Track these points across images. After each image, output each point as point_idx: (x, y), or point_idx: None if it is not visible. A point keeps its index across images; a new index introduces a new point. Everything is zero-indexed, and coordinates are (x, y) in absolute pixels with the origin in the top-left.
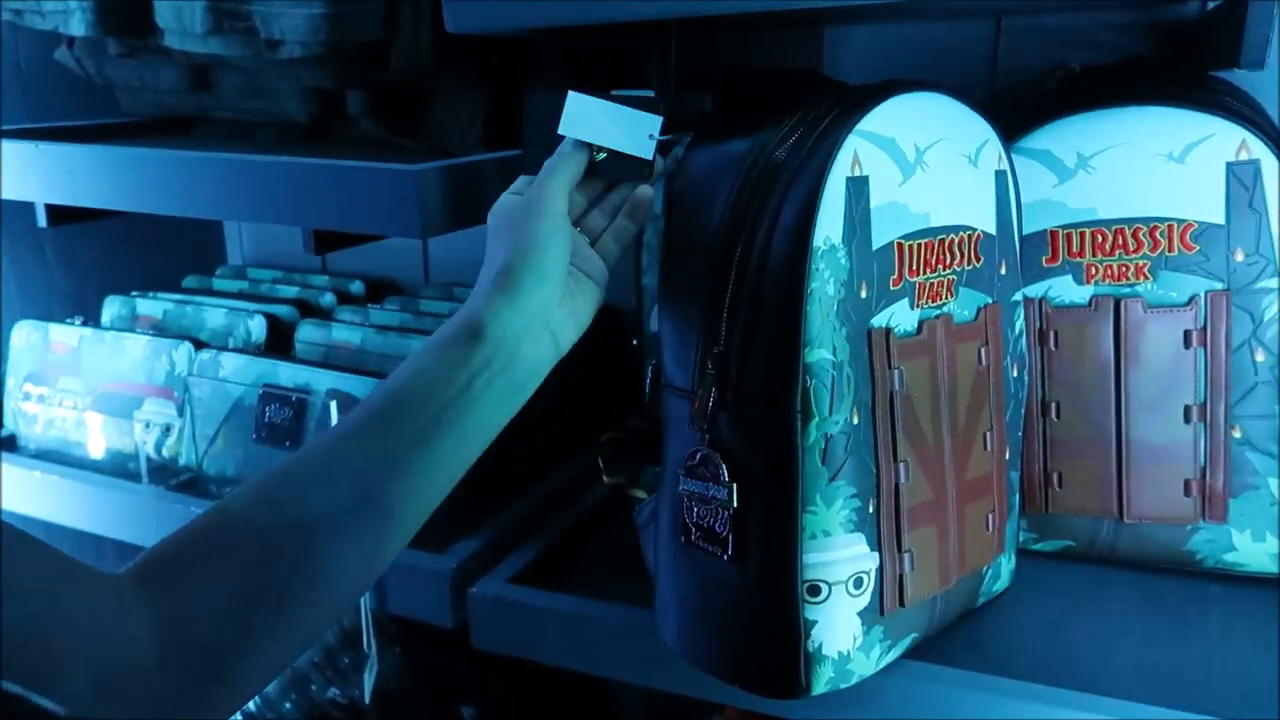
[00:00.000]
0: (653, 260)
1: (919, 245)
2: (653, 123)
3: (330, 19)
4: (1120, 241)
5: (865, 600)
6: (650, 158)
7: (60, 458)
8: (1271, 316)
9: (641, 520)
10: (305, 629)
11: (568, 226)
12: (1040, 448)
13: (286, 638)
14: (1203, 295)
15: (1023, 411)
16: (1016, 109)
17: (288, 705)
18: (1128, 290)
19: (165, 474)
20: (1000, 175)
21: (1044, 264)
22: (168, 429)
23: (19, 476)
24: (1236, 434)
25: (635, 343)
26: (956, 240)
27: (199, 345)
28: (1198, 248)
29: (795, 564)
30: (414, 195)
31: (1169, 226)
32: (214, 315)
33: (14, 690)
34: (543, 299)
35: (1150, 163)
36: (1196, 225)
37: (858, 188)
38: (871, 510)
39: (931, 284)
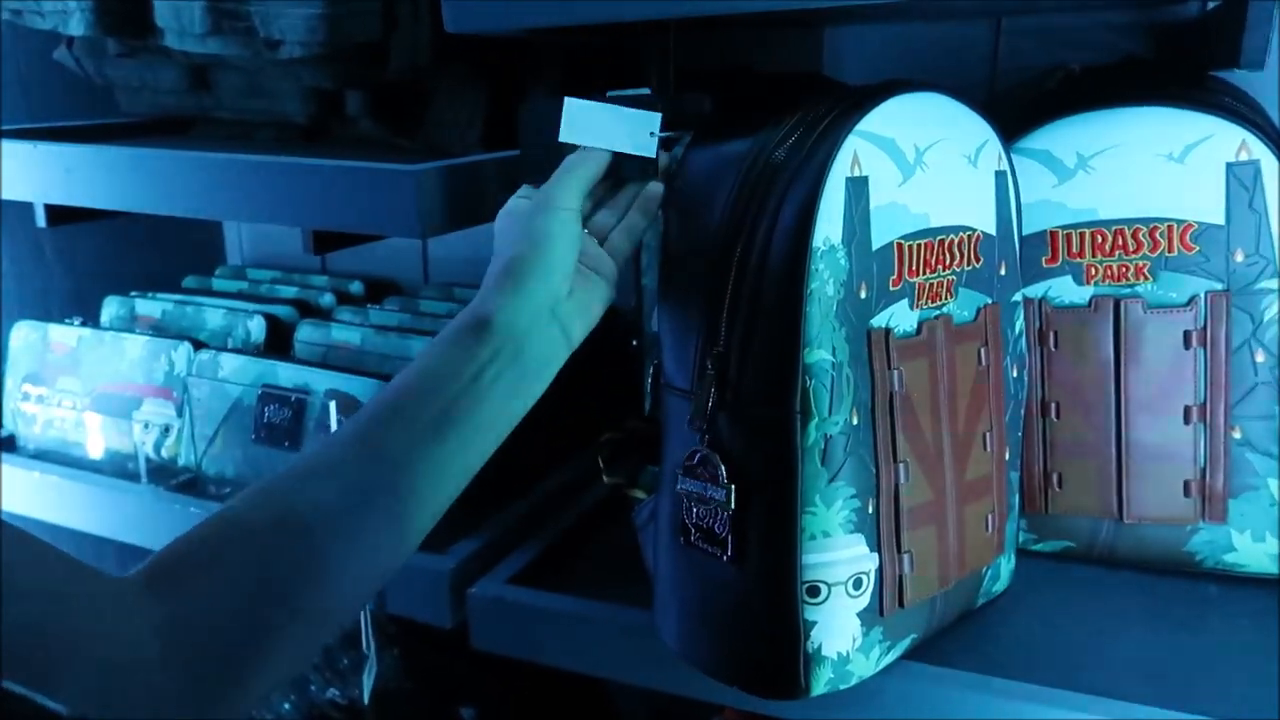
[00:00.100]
0: (652, 260)
1: (919, 246)
2: (652, 120)
3: (329, 19)
4: (1120, 242)
5: (865, 601)
6: (654, 155)
7: (59, 458)
8: (1271, 317)
9: (641, 521)
10: (313, 629)
11: (577, 223)
12: (1040, 448)
13: (295, 638)
14: (1203, 296)
15: (1022, 412)
16: (1016, 109)
17: (286, 706)
18: (1127, 291)
19: (164, 474)
20: (1000, 176)
21: (1044, 264)
22: (167, 429)
23: (18, 477)
24: (1236, 435)
25: (635, 343)
26: (956, 241)
27: (198, 345)
28: (1197, 248)
29: (795, 565)
30: (413, 195)
31: (1169, 227)
32: (213, 315)
33: (17, 691)
34: (550, 290)
35: (1150, 163)
36: (1196, 226)
37: (857, 188)
38: (871, 511)
39: (931, 284)
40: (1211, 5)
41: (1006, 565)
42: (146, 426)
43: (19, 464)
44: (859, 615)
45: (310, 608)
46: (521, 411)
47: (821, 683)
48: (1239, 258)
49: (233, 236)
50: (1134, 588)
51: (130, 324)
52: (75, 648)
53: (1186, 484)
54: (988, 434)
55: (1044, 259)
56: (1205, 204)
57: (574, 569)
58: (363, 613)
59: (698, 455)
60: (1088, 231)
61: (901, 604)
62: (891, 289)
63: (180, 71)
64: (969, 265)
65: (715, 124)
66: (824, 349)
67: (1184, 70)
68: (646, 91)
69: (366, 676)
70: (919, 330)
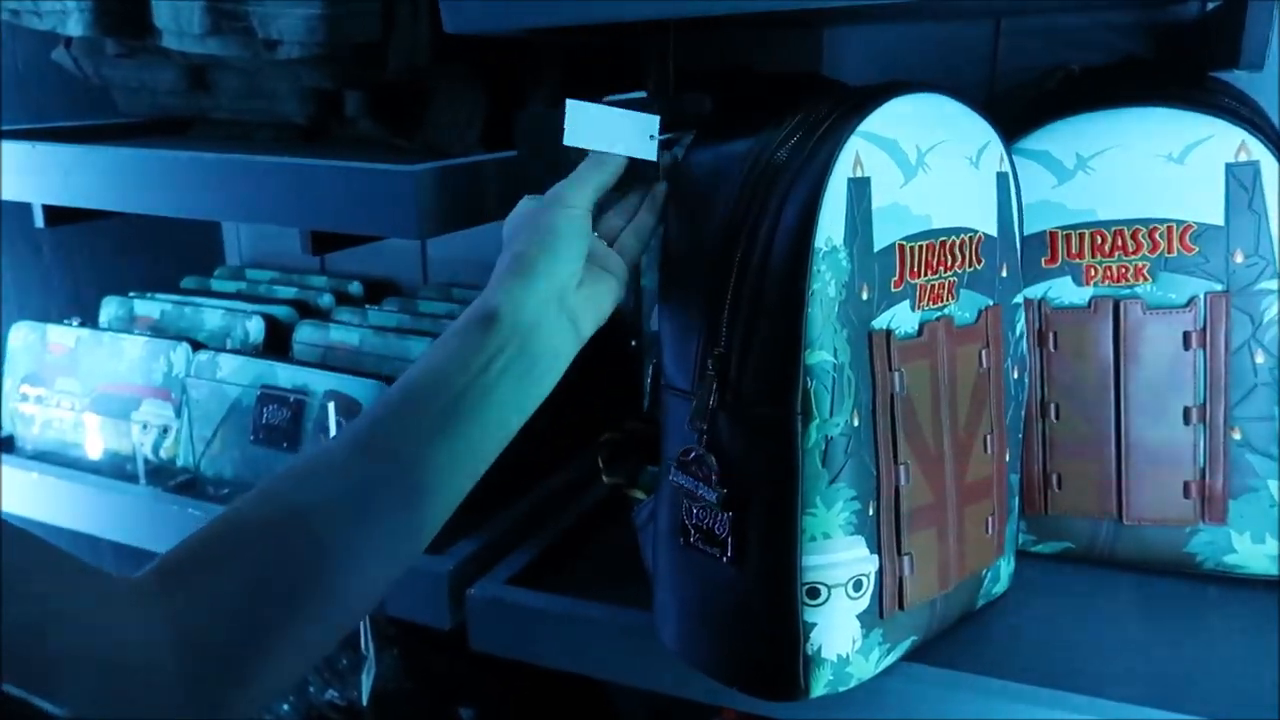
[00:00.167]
0: (652, 261)
1: (920, 247)
2: (651, 123)
3: (328, 19)
4: (1119, 243)
5: (865, 603)
6: (654, 158)
7: (58, 459)
8: (1271, 318)
9: (640, 521)
10: (322, 628)
11: (587, 221)
12: (1039, 449)
13: (303, 638)
14: (1202, 297)
15: (1023, 414)
16: (1016, 110)
17: (285, 707)
18: (1127, 291)
19: (163, 475)
20: (1002, 177)
21: (1043, 265)
22: (165, 430)
23: (16, 478)
24: (1236, 435)
25: (634, 343)
26: (958, 242)
27: (197, 346)
28: (1197, 249)
29: (795, 566)
30: (411, 196)
31: (1168, 228)
32: (212, 316)
33: (14, 694)
34: (558, 282)
35: (1149, 164)
36: (1196, 226)
37: (859, 189)
38: (871, 513)
39: (933, 286)
40: (1211, 6)
41: (1006, 567)
42: (145, 427)
43: (17, 465)
44: (859, 617)
45: (318, 607)
46: (532, 406)
47: (821, 684)
48: (1239, 258)
49: (231, 237)
50: (1133, 589)
51: (129, 324)
52: (81, 648)
53: (1186, 485)
54: (988, 436)
55: (1043, 260)
56: (1205, 205)
57: (573, 570)
58: None
59: (693, 453)
60: (1087, 232)
61: (901, 606)
62: (893, 290)
63: (179, 72)
64: (970, 267)
65: (716, 124)
66: (825, 350)
67: (1184, 71)
68: (643, 95)
69: (365, 677)
70: (920, 332)
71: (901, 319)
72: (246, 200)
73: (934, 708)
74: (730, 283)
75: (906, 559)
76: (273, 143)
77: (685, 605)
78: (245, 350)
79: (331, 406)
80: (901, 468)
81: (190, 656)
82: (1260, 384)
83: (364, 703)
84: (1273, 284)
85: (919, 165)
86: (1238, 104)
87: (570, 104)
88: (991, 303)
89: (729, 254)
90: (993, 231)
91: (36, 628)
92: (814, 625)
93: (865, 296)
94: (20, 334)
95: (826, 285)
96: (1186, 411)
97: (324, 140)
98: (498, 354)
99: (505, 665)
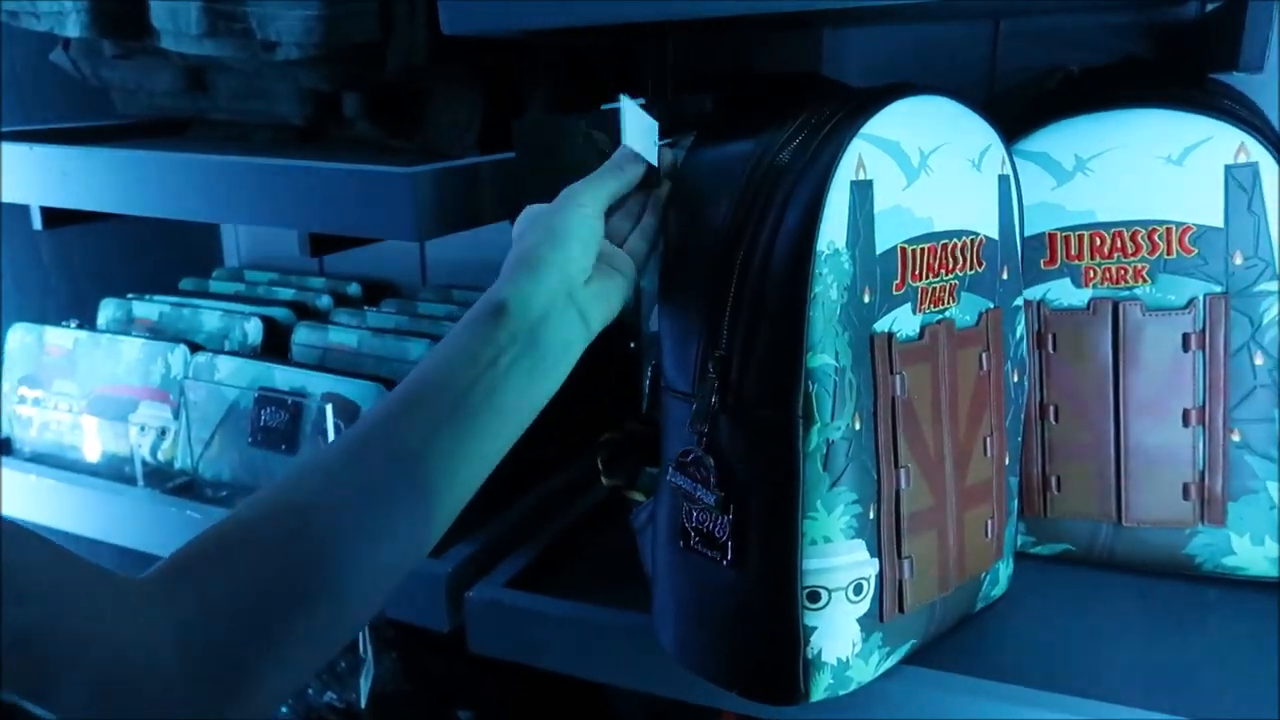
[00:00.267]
0: (651, 261)
1: (922, 250)
2: (652, 128)
3: (326, 20)
4: (1119, 244)
5: (865, 606)
6: (655, 163)
7: (55, 461)
8: (1270, 319)
9: (639, 523)
10: (330, 628)
11: (598, 220)
12: (1038, 451)
13: (306, 641)
14: (1201, 298)
15: (1023, 417)
16: (1015, 110)
17: (284, 709)
18: (1126, 293)
19: (160, 477)
20: (1003, 180)
21: (1042, 266)
22: (163, 432)
23: (14, 480)
24: (1235, 437)
25: (633, 345)
26: (959, 245)
27: (194, 348)
28: (1196, 251)
29: (795, 570)
30: (409, 198)
31: (1167, 229)
32: (210, 318)
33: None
34: (566, 276)
35: (1149, 165)
36: (1195, 228)
37: (862, 191)
38: (872, 516)
39: (934, 289)
40: (1211, 7)
41: (1005, 570)
42: (143, 429)
43: (15, 467)
44: (859, 621)
45: (324, 609)
46: (542, 400)
47: (821, 688)
48: (1238, 260)
49: (230, 238)
50: (1133, 591)
51: (127, 326)
52: (85, 648)
53: (1185, 487)
54: (988, 439)
55: (1042, 261)
56: (1204, 206)
57: (572, 572)
58: None
59: (692, 455)
60: (1086, 234)
61: (901, 609)
62: (895, 293)
63: (177, 73)
64: (971, 269)
65: (717, 125)
66: (827, 353)
67: (1183, 72)
68: (642, 101)
69: (364, 680)
70: (921, 335)
71: (903, 322)
72: (244, 202)
73: (933, 710)
74: (731, 285)
75: (907, 562)
76: (271, 144)
77: (684, 608)
78: (243, 352)
79: (329, 408)
80: (902, 471)
81: (194, 658)
82: (1259, 386)
83: (362, 705)
84: (1272, 286)
85: (921, 167)
86: (1237, 105)
87: (625, 103)
88: (992, 305)
89: (730, 256)
90: (994, 234)
91: (44, 627)
92: (814, 629)
93: (867, 299)
94: (18, 335)
95: (828, 288)
96: (1186, 413)
97: (322, 142)
98: (507, 346)
99: (504, 668)
